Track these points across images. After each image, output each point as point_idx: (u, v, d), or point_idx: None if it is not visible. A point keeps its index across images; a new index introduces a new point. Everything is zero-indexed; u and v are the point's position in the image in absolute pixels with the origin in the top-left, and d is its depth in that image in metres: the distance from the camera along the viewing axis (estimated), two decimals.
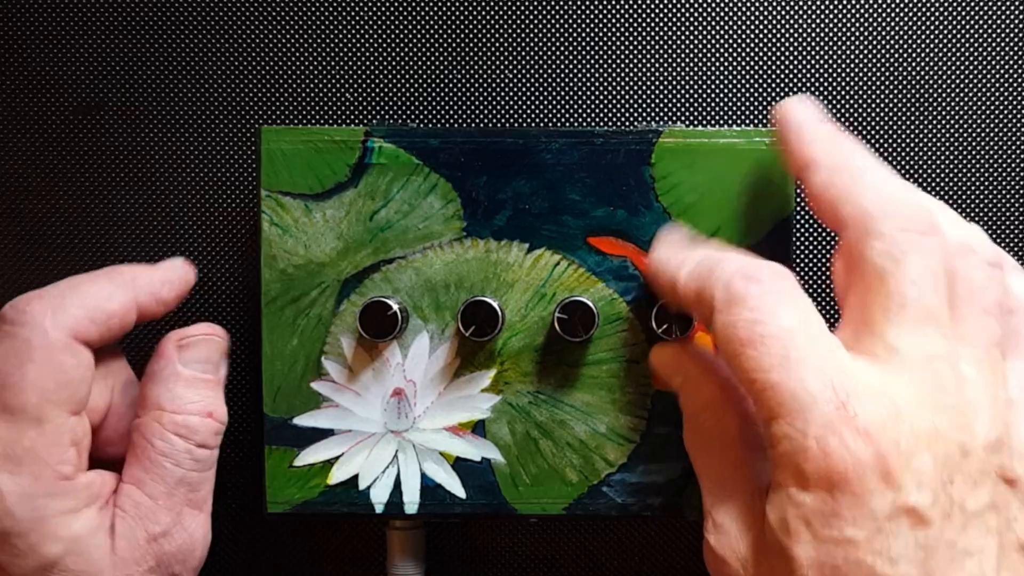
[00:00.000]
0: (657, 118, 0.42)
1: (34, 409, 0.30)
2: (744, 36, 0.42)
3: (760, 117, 0.42)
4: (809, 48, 0.42)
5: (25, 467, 0.30)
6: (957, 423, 0.27)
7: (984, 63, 0.42)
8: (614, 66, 0.42)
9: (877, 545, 0.26)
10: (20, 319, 0.31)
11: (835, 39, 0.42)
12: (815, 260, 0.42)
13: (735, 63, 0.42)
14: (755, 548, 0.29)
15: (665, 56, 0.42)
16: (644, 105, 0.42)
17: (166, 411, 0.33)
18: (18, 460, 0.30)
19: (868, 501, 0.26)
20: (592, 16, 0.42)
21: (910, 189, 0.30)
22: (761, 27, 0.42)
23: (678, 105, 0.42)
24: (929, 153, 0.42)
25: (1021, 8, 0.41)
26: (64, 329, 0.32)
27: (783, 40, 0.42)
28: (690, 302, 0.31)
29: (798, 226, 0.42)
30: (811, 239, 0.42)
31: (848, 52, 0.42)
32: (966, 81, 0.42)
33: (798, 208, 0.41)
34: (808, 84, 0.42)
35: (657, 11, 0.42)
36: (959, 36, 0.42)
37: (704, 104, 0.42)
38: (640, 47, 0.42)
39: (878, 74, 0.42)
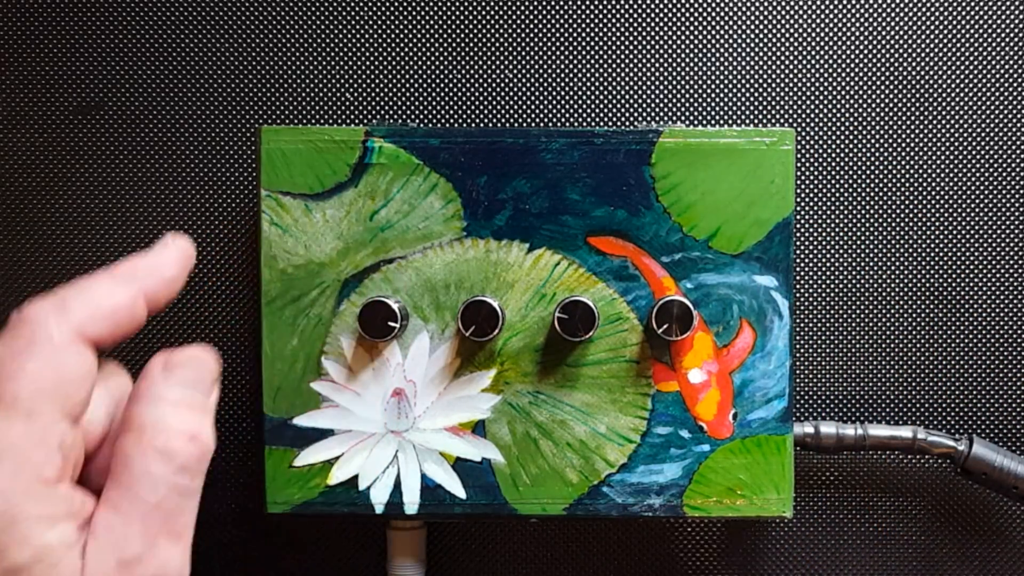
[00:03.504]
0: (657, 118, 0.42)
1: (26, 402, 0.29)
2: (744, 36, 0.42)
3: (761, 117, 0.42)
4: (809, 48, 0.42)
5: (7, 461, 0.29)
6: None
7: (983, 64, 0.42)
8: (614, 66, 0.42)
9: None
10: (25, 319, 0.31)
11: (835, 40, 0.42)
12: (815, 260, 0.42)
13: (735, 63, 0.42)
14: None
15: (665, 56, 0.42)
16: (644, 105, 0.42)
17: (147, 432, 0.31)
18: (2, 453, 0.29)
19: None
20: (592, 16, 0.42)
21: None
22: (761, 28, 0.42)
23: (678, 105, 0.42)
24: (928, 153, 0.42)
25: (1020, 9, 0.41)
26: (68, 328, 0.31)
27: (783, 41, 0.42)
28: None
29: (798, 226, 0.42)
30: (811, 239, 0.42)
31: (848, 53, 0.42)
32: (965, 81, 0.42)
33: (798, 208, 0.41)
34: (808, 84, 0.42)
35: (657, 11, 0.42)
36: (958, 37, 0.42)
37: (704, 104, 0.42)
38: (640, 47, 0.42)
39: (878, 74, 0.42)
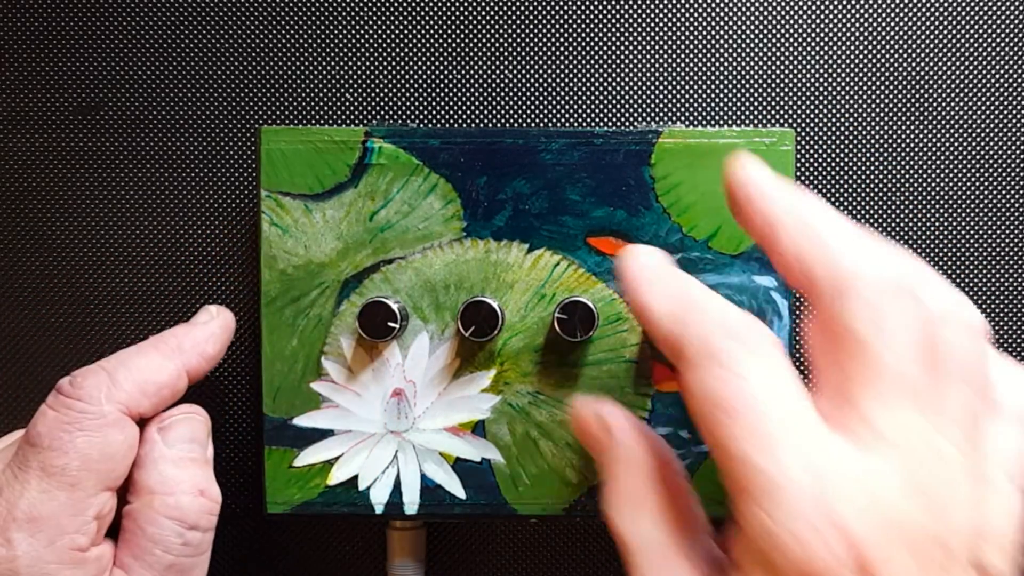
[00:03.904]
0: (658, 118, 0.42)
1: (73, 474, 0.31)
2: (745, 36, 0.42)
3: (761, 117, 0.42)
4: (810, 47, 0.42)
5: (44, 530, 0.30)
6: (935, 513, 0.25)
7: (984, 62, 0.42)
8: (615, 66, 0.42)
9: None
10: (76, 393, 0.32)
11: (836, 38, 0.42)
12: None
13: (736, 63, 0.42)
14: None
15: (666, 56, 0.42)
16: (645, 105, 0.42)
17: (156, 494, 0.33)
18: (40, 522, 0.30)
19: None
20: (593, 16, 0.42)
21: (889, 248, 0.28)
22: (762, 27, 0.42)
23: (679, 105, 0.42)
24: (930, 152, 0.42)
25: (1021, 7, 0.41)
26: (117, 404, 0.32)
27: (784, 40, 0.42)
28: (658, 340, 0.29)
29: None
30: None
31: (849, 51, 0.42)
32: (967, 80, 0.42)
33: None
34: (809, 83, 0.42)
35: (658, 11, 0.42)
36: (959, 35, 0.42)
37: (705, 104, 0.42)
38: (641, 47, 0.42)
39: (879, 73, 0.42)
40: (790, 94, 0.42)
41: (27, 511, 0.30)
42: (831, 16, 0.42)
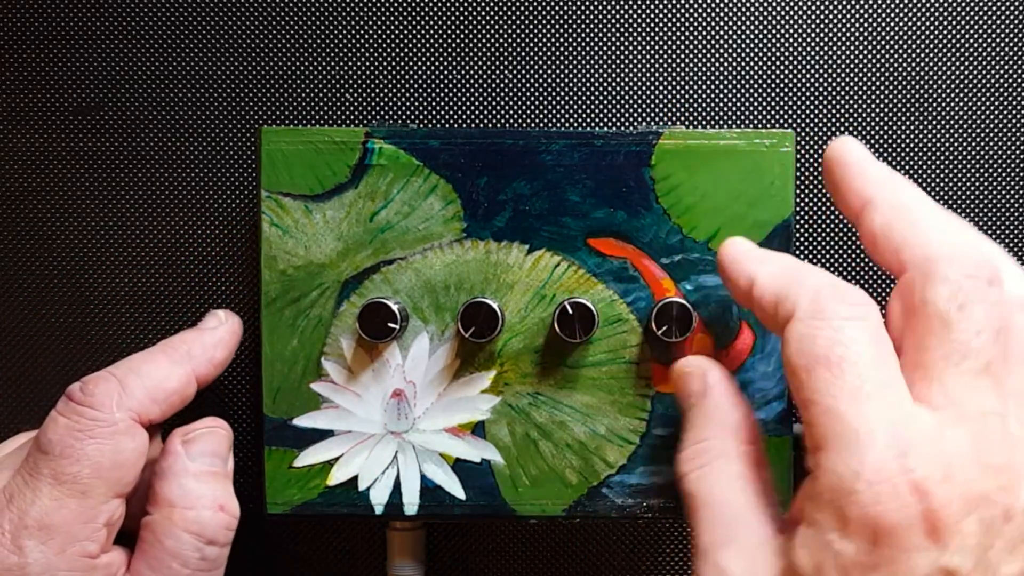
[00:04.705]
0: (660, 118, 0.42)
1: (84, 481, 0.31)
2: (745, 36, 0.41)
3: (762, 118, 0.42)
4: (810, 47, 0.42)
5: (55, 538, 0.30)
6: (1004, 485, 0.26)
7: (986, 61, 0.41)
8: (616, 66, 0.42)
9: None
10: (87, 400, 0.32)
11: (837, 38, 0.42)
12: (815, 260, 0.42)
13: (736, 63, 0.42)
14: None
15: (667, 56, 0.42)
16: (647, 105, 0.42)
17: (177, 507, 0.33)
18: (51, 529, 0.30)
19: (910, 558, 0.25)
20: (594, 15, 0.42)
21: (975, 233, 0.30)
22: (763, 27, 0.42)
23: (681, 105, 0.42)
24: (931, 151, 0.42)
25: (1021, 7, 0.41)
26: (128, 411, 0.32)
27: (784, 40, 0.42)
28: (764, 304, 0.30)
29: (798, 227, 0.42)
30: (811, 240, 0.42)
31: (850, 51, 0.42)
32: (968, 79, 0.42)
33: (798, 208, 0.41)
34: (810, 83, 0.42)
35: (659, 10, 0.42)
36: (961, 35, 0.41)
37: (705, 104, 0.42)
38: (643, 47, 0.42)
39: (880, 73, 0.42)
40: (790, 94, 0.42)
41: (38, 518, 0.30)
42: (832, 16, 0.42)
